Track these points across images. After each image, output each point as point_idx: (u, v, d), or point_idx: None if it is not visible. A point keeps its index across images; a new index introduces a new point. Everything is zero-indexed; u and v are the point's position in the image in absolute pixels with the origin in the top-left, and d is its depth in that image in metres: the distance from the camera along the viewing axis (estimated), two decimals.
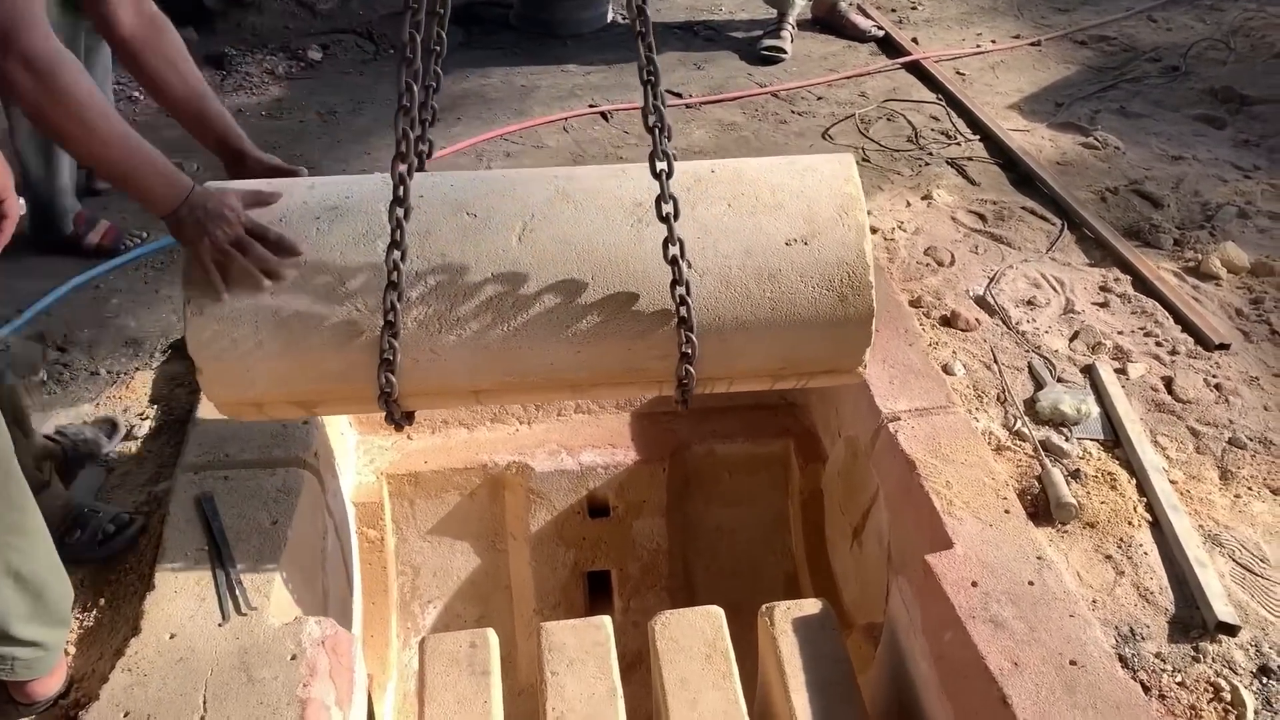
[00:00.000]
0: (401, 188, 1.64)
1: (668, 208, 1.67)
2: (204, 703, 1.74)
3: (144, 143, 1.68)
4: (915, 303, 2.91)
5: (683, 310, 1.71)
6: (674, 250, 1.68)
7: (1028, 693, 1.75)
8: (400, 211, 1.64)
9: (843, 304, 1.81)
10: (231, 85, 4.35)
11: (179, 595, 1.93)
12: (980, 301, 2.93)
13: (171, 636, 1.86)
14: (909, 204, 3.46)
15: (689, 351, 1.74)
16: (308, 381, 1.77)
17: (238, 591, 1.93)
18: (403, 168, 1.63)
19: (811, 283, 1.80)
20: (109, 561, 2.11)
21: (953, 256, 3.15)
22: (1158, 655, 1.93)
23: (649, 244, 1.75)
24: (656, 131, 1.66)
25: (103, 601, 2.05)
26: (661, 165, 1.67)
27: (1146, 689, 1.86)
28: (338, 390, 1.80)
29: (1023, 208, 3.43)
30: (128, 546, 2.14)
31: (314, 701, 1.76)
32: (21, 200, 1.39)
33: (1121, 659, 1.90)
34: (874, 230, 3.23)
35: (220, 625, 1.88)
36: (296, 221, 1.76)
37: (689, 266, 1.70)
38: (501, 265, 1.75)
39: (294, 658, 1.82)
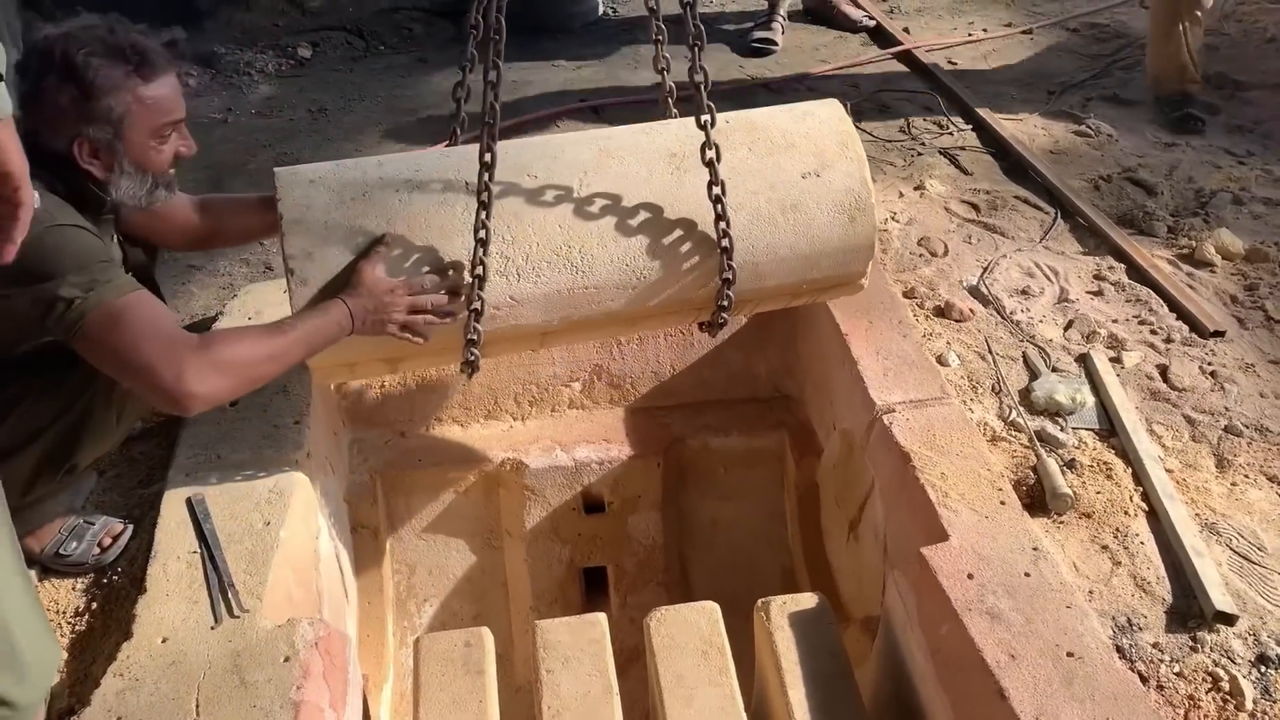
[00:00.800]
0: (489, 154, 1.86)
1: (711, 154, 1.92)
2: (196, 707, 1.73)
3: (293, 323, 1.85)
4: (909, 294, 2.90)
5: (725, 242, 1.98)
6: (717, 190, 1.93)
7: (1025, 685, 1.74)
8: (486, 177, 1.86)
9: (852, 224, 2.11)
10: (221, 83, 4.32)
11: (171, 598, 1.92)
12: (974, 292, 2.92)
13: (163, 640, 1.84)
14: (901, 194, 3.44)
15: (729, 277, 2.02)
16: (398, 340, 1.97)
17: (230, 594, 1.92)
18: (488, 139, 1.85)
19: (825, 209, 2.08)
20: (102, 569, 2.10)
21: (946, 247, 3.14)
22: (1155, 645, 1.92)
23: (688, 188, 2.01)
24: (701, 88, 1.91)
25: (94, 605, 2.03)
26: (705, 117, 1.91)
27: (1144, 679, 1.85)
28: (424, 344, 2.00)
29: (1016, 197, 3.42)
30: (121, 554, 2.12)
31: (308, 704, 1.75)
32: (36, 194, 1.40)
33: (1119, 650, 1.89)
34: None
35: (213, 628, 1.86)
36: (378, 195, 1.95)
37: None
38: (565, 217, 1.99)
39: (287, 660, 1.81)
